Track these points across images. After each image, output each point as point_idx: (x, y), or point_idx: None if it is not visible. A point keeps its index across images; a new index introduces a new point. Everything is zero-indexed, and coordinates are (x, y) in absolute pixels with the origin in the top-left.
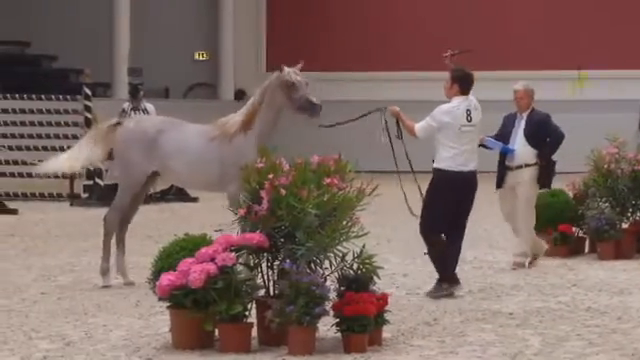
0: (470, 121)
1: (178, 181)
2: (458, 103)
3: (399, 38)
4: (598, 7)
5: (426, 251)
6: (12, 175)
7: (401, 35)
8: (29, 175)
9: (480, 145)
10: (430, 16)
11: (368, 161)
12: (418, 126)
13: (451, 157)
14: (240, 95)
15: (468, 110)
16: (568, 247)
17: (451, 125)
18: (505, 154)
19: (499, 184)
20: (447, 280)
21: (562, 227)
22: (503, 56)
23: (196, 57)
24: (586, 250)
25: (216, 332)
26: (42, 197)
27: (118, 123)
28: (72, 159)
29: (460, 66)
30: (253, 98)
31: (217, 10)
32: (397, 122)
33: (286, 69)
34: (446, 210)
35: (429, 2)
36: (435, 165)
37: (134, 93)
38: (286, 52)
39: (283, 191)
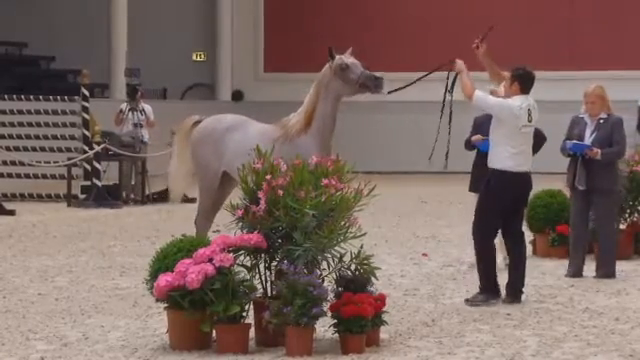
0: (531, 121)
1: None
2: (521, 102)
3: (399, 38)
4: (597, 7)
5: (424, 252)
6: (10, 176)
7: (401, 35)
8: (27, 176)
9: (472, 146)
10: (432, 16)
11: (366, 162)
12: (479, 95)
13: (509, 157)
14: (238, 96)
15: (529, 110)
16: (566, 248)
17: (512, 124)
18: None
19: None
20: (488, 291)
21: (560, 228)
22: (501, 57)
23: (194, 58)
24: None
25: (213, 333)
26: (39, 198)
27: (198, 121)
28: (183, 177)
29: (521, 64)
30: (308, 95)
31: (215, 11)
32: (455, 77)
33: (337, 56)
34: (502, 214)
35: (430, 2)
36: (492, 165)
37: (132, 94)
38: (284, 53)
39: (281, 192)
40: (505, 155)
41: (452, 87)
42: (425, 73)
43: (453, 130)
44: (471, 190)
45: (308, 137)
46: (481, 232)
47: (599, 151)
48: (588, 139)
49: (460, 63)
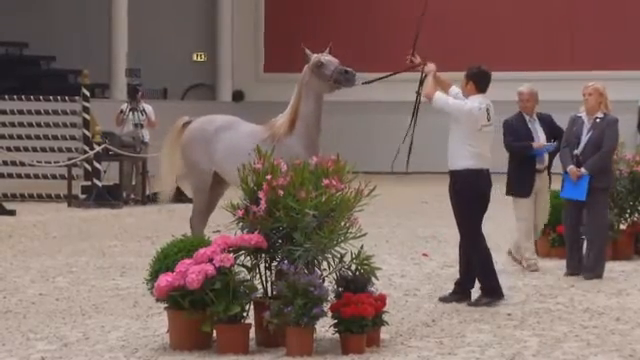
0: (489, 120)
1: (232, 182)
2: (479, 103)
3: (400, 38)
4: (597, 7)
5: (425, 252)
6: (10, 176)
7: (402, 35)
8: (27, 176)
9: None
10: (433, 16)
11: (366, 162)
12: (439, 96)
13: (471, 156)
14: (238, 96)
15: (488, 110)
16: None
17: (471, 125)
18: (537, 155)
19: (530, 190)
20: (491, 294)
21: (560, 228)
22: (501, 57)
23: (194, 58)
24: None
25: (214, 333)
26: (40, 198)
27: (188, 122)
28: (170, 176)
29: (476, 64)
30: (293, 96)
31: (215, 11)
32: (424, 78)
33: (314, 55)
34: (480, 211)
35: (432, 3)
36: (453, 167)
37: (132, 94)
38: (284, 53)
39: (281, 192)
40: (466, 155)
41: (419, 88)
42: (399, 70)
43: (440, 131)
44: (508, 194)
45: (294, 137)
46: (469, 238)
47: (582, 170)
48: (584, 138)
49: (431, 65)
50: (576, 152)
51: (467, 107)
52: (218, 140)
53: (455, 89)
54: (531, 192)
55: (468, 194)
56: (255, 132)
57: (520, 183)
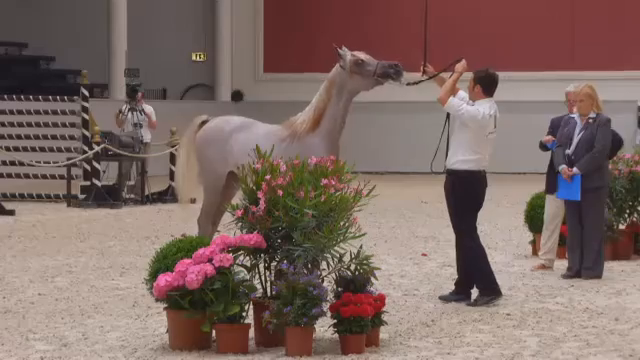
0: (495, 127)
1: None
2: (489, 109)
3: (399, 39)
4: (597, 7)
5: (424, 252)
6: (9, 176)
7: (401, 36)
8: (26, 176)
9: (545, 147)
10: (434, 16)
11: (366, 162)
12: (453, 101)
13: (472, 159)
14: (237, 96)
15: (495, 117)
16: (565, 248)
17: (480, 132)
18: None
19: (550, 188)
20: (489, 292)
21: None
22: (495, 56)
23: (193, 58)
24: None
25: (213, 333)
26: (39, 198)
27: (205, 121)
28: (191, 178)
29: (484, 67)
30: (318, 95)
31: (215, 11)
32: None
33: (348, 53)
34: (476, 211)
35: (432, 3)
36: (455, 168)
37: (131, 94)
38: (284, 53)
39: (280, 192)
40: (468, 158)
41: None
42: (448, 64)
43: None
44: (547, 192)
45: (316, 137)
46: (464, 236)
47: (573, 170)
48: (576, 138)
49: (461, 64)
50: (568, 152)
51: (480, 116)
52: (234, 141)
53: (462, 93)
54: (551, 189)
55: (467, 194)
56: (273, 131)
57: (547, 180)
